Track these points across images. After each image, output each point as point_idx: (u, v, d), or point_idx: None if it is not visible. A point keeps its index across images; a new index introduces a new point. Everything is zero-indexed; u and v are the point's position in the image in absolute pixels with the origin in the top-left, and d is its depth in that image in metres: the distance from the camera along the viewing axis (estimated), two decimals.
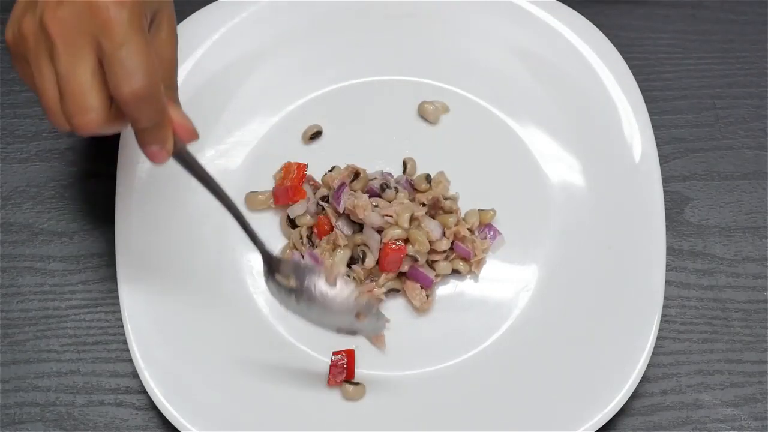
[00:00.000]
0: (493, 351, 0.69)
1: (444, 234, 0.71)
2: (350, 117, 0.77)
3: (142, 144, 0.53)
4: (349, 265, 0.70)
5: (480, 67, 0.78)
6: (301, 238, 0.71)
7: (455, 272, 0.71)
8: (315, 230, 0.71)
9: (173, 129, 0.54)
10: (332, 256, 0.70)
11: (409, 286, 0.70)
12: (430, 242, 0.69)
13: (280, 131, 0.77)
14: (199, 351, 0.67)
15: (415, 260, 0.69)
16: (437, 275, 0.70)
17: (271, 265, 0.63)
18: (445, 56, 0.79)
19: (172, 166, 0.72)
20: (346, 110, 0.77)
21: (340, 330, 0.64)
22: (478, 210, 0.73)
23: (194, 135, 0.56)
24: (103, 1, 0.49)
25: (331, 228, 0.71)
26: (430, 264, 0.70)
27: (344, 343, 0.68)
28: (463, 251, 0.71)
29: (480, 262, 0.72)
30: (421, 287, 0.70)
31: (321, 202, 0.72)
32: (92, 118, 0.50)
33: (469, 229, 0.71)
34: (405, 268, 0.69)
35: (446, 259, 0.71)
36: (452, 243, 0.71)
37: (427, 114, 0.77)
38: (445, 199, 0.72)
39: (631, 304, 0.68)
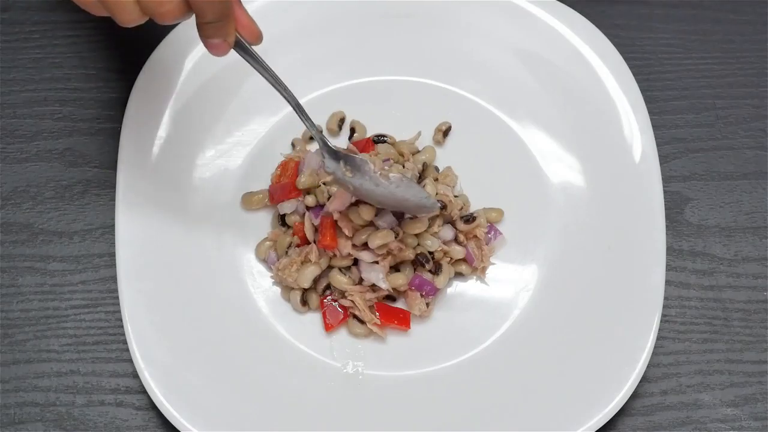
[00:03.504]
0: (493, 351, 0.68)
1: (456, 237, 0.70)
2: (350, 117, 0.77)
3: (205, 37, 0.59)
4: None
5: (480, 67, 0.78)
6: (289, 247, 0.70)
7: (457, 274, 0.71)
8: (296, 234, 0.70)
9: (238, 29, 0.60)
10: (299, 269, 0.68)
11: (409, 295, 0.69)
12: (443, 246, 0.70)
13: (280, 131, 0.76)
14: (199, 351, 0.67)
15: (423, 264, 0.69)
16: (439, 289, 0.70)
17: (328, 148, 0.67)
18: (446, 56, 0.79)
19: (173, 166, 0.73)
20: (346, 110, 0.77)
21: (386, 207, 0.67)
22: (483, 209, 0.72)
23: (258, 37, 0.61)
24: None
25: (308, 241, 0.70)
26: (434, 271, 0.70)
27: (343, 341, 0.68)
28: (467, 256, 0.70)
29: (484, 269, 0.71)
30: (423, 295, 0.69)
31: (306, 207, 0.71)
32: (170, 9, 0.56)
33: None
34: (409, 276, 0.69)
35: (449, 261, 0.71)
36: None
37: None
38: (455, 196, 0.72)
39: (631, 304, 0.68)
